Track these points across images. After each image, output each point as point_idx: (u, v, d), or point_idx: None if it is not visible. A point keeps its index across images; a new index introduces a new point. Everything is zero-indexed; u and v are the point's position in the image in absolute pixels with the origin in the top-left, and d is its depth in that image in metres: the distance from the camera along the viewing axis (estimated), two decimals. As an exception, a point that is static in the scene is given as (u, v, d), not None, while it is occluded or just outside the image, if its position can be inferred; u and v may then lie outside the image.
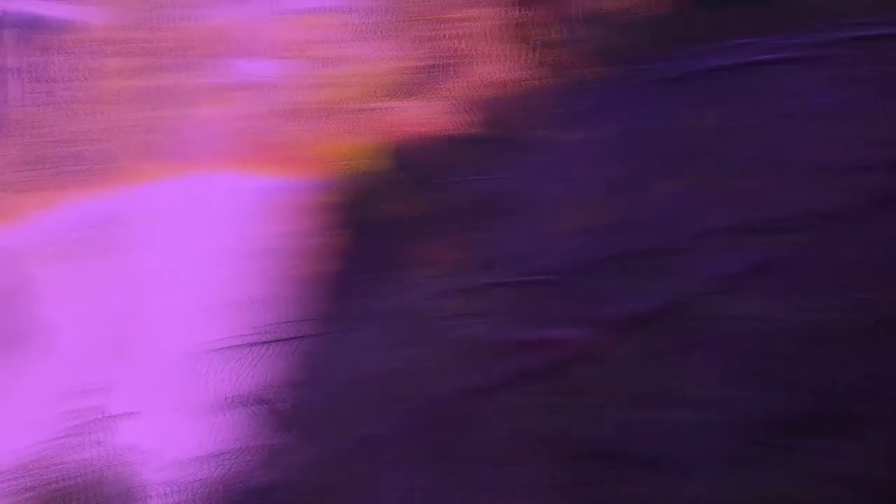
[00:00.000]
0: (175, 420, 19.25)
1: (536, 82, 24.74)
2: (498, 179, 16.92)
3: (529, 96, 23.80)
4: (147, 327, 26.11)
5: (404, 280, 13.11)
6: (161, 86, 30.71)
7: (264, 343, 15.41)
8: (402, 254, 15.76)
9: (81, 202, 30.00)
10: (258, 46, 30.34)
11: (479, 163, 20.11)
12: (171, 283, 26.56)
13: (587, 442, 7.10)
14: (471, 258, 11.86)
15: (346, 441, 6.89)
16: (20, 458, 14.91)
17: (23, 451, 15.14)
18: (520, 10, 25.54)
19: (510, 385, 7.31)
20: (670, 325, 7.76)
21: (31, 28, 33.90)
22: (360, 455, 6.51)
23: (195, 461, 15.64)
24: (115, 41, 31.99)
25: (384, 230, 18.48)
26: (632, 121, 15.51)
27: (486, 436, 7.01)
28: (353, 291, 14.16)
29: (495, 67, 26.53)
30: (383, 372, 8.88)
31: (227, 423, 14.02)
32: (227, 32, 30.75)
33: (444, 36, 27.37)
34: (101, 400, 15.78)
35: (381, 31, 26.79)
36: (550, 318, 8.36)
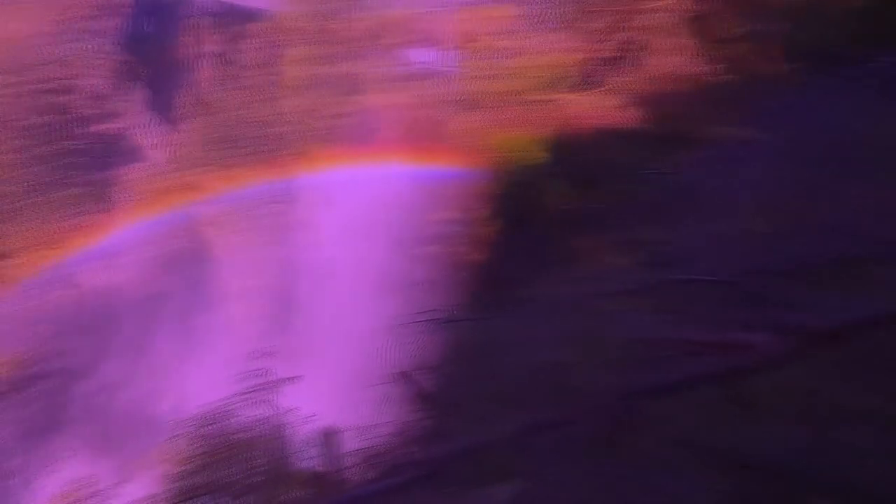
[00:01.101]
0: (335, 389, 19.99)
1: (716, 77, 22.96)
2: (670, 176, 16.04)
3: (708, 92, 22.16)
4: (316, 301, 27.14)
5: (567, 273, 12.91)
6: (340, 74, 31.74)
7: (425, 324, 15.75)
8: (566, 247, 15.46)
9: (262, 181, 31.77)
10: (433, 37, 30.49)
11: (650, 159, 19.11)
12: (340, 262, 27.39)
13: (759, 457, 6.49)
14: (639, 255, 11.43)
15: (499, 429, 6.86)
16: (202, 410, 16.22)
17: (204, 404, 16.45)
18: (701, 0, 23.54)
19: (681, 388, 6.89)
20: (863, 339, 6.96)
21: (224, 17, 36.32)
22: (512, 444, 6.43)
23: (350, 430, 16.16)
24: (299, 30, 33.49)
25: (549, 223, 18.18)
26: (820, 121, 13.91)
27: (650, 438, 6.65)
28: (516, 281, 14.15)
29: (672, 60, 24.89)
30: (545, 363, 8.77)
31: (384, 398, 14.47)
32: (404, 23, 31.17)
33: (620, 27, 26.02)
34: (271, 364, 16.82)
35: (555, 23, 26.12)
36: (728, 322, 7.77)
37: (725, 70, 22.89)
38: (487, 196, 21.18)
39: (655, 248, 10.59)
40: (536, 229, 17.54)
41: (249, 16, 40.78)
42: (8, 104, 32.32)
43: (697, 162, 16.61)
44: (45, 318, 32.64)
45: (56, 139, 33.08)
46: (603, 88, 23.23)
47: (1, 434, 31.02)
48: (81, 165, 34.21)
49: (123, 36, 36.56)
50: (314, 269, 31.34)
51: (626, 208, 15.42)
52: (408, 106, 27.82)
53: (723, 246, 10.39)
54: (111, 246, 34.69)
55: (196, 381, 31.25)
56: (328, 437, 15.63)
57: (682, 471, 6.48)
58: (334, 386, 22.20)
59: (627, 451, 5.91)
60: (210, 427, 17.29)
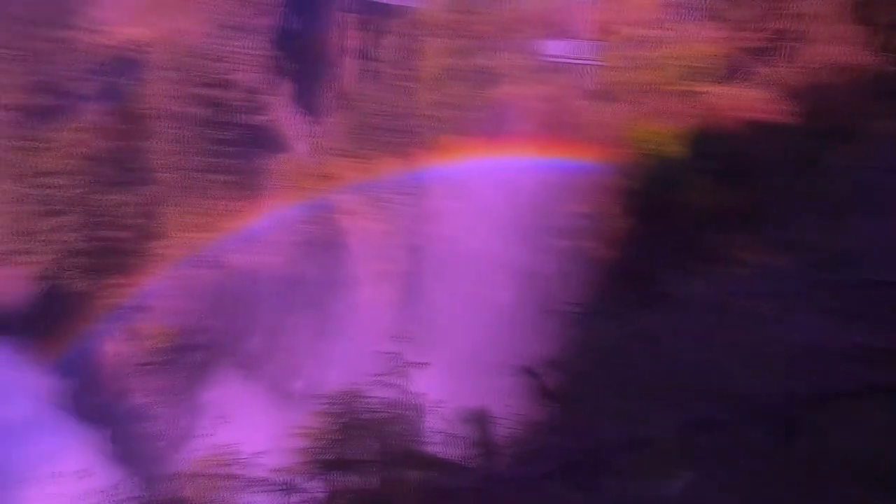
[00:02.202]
0: (463, 376, 20.07)
1: (882, 68, 20.95)
2: (829, 172, 14.84)
3: (872, 83, 20.27)
4: (445, 289, 27.38)
5: (713, 272, 12.24)
6: (477, 66, 31.81)
7: (555, 317, 15.56)
8: (711, 245, 14.68)
9: (398, 171, 32.42)
10: (571, 28, 29.84)
11: (803, 154, 17.77)
12: (470, 253, 27.42)
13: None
14: (799, 254, 10.64)
15: (650, 426, 6.58)
16: (335, 388, 16.79)
17: (337, 383, 17.05)
18: (864, -14, 21.35)
19: (848, 396, 6.35)
20: None
21: (367, 13, 37.32)
22: (670, 442, 6.12)
23: (473, 417, 16.14)
24: (438, 25, 33.82)
25: (691, 219, 17.33)
26: None
27: (815, 447, 6.16)
28: (654, 278, 13.59)
29: (832, 50, 22.96)
30: (691, 362, 8.34)
31: (512, 388, 14.37)
32: (541, 15, 30.72)
33: (773, 15, 24.32)
34: (401, 348, 17.15)
35: (702, 11, 24.80)
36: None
37: (891, 60, 20.84)
38: (624, 190, 20.52)
39: (817, 247, 9.81)
40: (676, 226, 16.79)
41: (391, 12, 41.88)
42: (168, 97, 35.02)
43: (860, 157, 15.28)
44: (194, 296, 35.18)
45: (210, 130, 35.50)
46: (753, 80, 21.85)
47: (150, 400, 33.80)
48: (232, 154, 36.50)
49: (274, 33, 38.63)
50: (445, 258, 31.80)
51: (779, 205, 14.45)
52: (543, 98, 27.50)
53: (894, 245, 9.46)
54: (256, 230, 36.87)
55: (330, 360, 32.63)
56: (457, 421, 15.80)
57: (846, 484, 5.96)
58: (462, 373, 22.44)
59: (792, 459, 5.51)
60: (342, 406, 17.96)
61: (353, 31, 42.88)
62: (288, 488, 15.43)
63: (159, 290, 34.56)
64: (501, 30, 36.09)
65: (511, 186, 26.90)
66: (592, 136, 23.98)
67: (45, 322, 31.92)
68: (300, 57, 39.92)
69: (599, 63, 29.72)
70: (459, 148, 32.30)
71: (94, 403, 31.93)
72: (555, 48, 33.75)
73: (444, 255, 32.58)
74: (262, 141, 38.43)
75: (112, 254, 34.03)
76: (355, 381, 18.11)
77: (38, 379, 30.29)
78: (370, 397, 17.76)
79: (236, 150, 36.43)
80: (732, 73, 23.83)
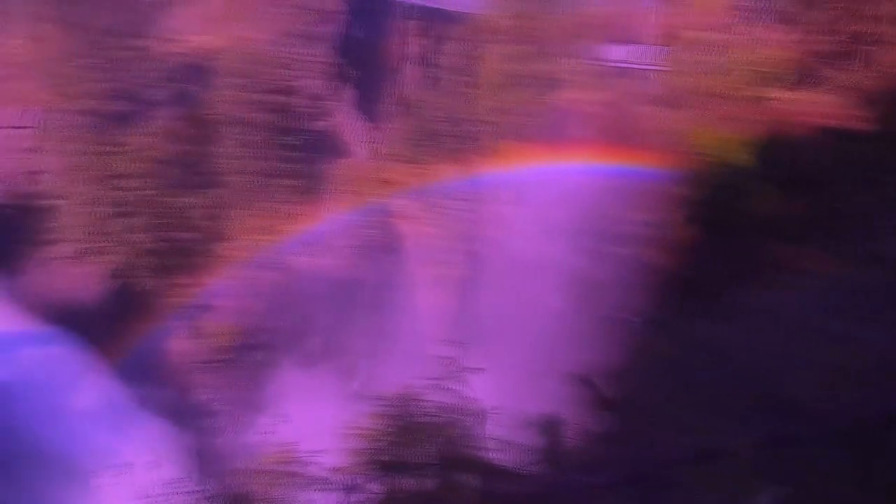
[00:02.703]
0: (518, 383, 19.95)
1: None
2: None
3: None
4: (503, 296, 27.21)
5: (781, 283, 11.89)
6: (538, 72, 31.61)
7: (613, 325, 15.37)
8: (778, 255, 14.25)
9: (457, 176, 32.47)
10: (634, 33, 29.38)
11: (877, 162, 17.08)
12: (528, 259, 27.24)
13: None
14: (876, 269, 10.20)
15: (698, 441, 6.39)
16: (391, 391, 16.95)
17: (393, 385, 17.20)
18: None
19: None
20: None
21: (428, 20, 37.63)
22: (747, 455, 5.90)
23: (529, 424, 16.05)
24: (498, 31, 33.75)
25: (757, 229, 16.84)
26: None
27: (885, 467, 5.87)
28: (717, 288, 13.31)
29: None
30: (757, 374, 8.11)
31: (568, 396, 14.25)
32: (604, 20, 30.29)
33: (849, 18, 23.44)
34: (457, 353, 17.20)
35: (772, 15, 24.05)
36: None
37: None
38: (687, 198, 20.03)
39: (891, 259, 9.43)
40: (742, 235, 16.30)
41: (452, 18, 42.14)
42: (236, 103, 36.05)
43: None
44: (257, 296, 36.05)
45: (275, 135, 36.38)
46: (825, 85, 21.04)
47: (214, 396, 34.76)
48: (295, 159, 37.32)
49: (338, 41, 39.34)
50: (502, 264, 31.76)
51: (851, 215, 13.90)
52: (604, 103, 27.18)
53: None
54: (317, 233, 37.58)
55: (387, 362, 32.96)
56: (513, 428, 15.75)
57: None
58: (518, 379, 22.35)
59: (867, 478, 5.30)
60: (399, 408, 18.12)
61: (413, 38, 43.30)
62: (346, 488, 15.66)
63: (224, 290, 35.56)
64: (562, 35, 35.85)
65: (570, 193, 26.66)
66: (655, 142, 23.53)
67: (116, 318, 33.23)
68: (362, 64, 40.55)
69: (663, 68, 29.20)
70: (518, 154, 32.23)
71: (160, 399, 33.03)
72: (617, 53, 33.33)
73: (501, 260, 32.54)
74: (324, 146, 39.16)
75: (180, 254, 35.20)
76: (412, 384, 18.24)
77: (108, 373, 31.51)
78: (427, 400, 17.86)
79: (299, 155, 37.24)
80: (803, 78, 23.06)
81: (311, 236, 37.49)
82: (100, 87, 33.24)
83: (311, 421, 30.11)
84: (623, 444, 9.01)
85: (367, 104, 40.04)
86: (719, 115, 21.57)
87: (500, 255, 31.90)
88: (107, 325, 32.64)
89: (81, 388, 30.43)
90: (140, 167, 33.38)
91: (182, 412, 33.55)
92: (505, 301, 30.28)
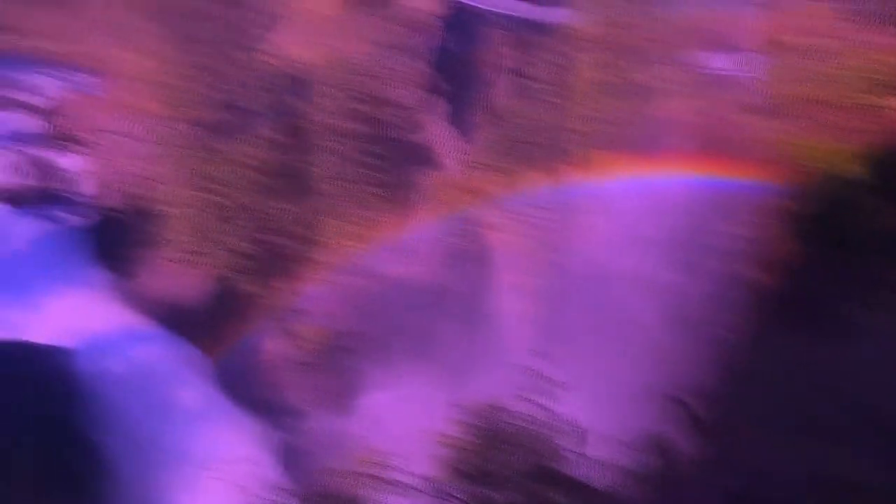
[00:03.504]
0: (606, 399, 19.60)
1: None
2: None
3: None
4: (590, 308, 26.75)
5: (888, 301, 11.24)
6: (631, 81, 31.08)
7: (707, 343, 14.91)
8: (883, 272, 13.47)
9: (545, 186, 32.38)
10: (733, 40, 28.47)
11: None
12: (617, 272, 26.69)
13: None
14: None
15: (811, 468, 6.07)
16: (476, 401, 17.07)
17: (479, 396, 17.31)
18: None
19: None
20: None
21: (520, 31, 37.67)
22: (840, 487, 5.63)
23: (618, 442, 15.77)
24: (591, 40, 33.43)
25: (866, 244, 16.00)
26: None
27: None
28: (821, 306, 12.70)
29: None
30: (874, 398, 7.65)
31: (658, 416, 13.95)
32: (701, 27, 29.53)
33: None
34: (543, 366, 17.14)
35: (884, 17, 22.82)
36: None
37: None
38: (790, 212, 19.13)
39: None
40: (850, 252, 15.46)
41: (543, 28, 41.98)
42: (331, 113, 37.23)
43: None
44: (348, 301, 36.98)
45: (367, 144, 37.31)
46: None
47: (305, 398, 35.83)
48: (386, 168, 38.15)
49: (430, 52, 39.99)
50: (590, 276, 31.29)
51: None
52: (701, 113, 26.35)
53: None
54: (406, 241, 38.22)
55: (472, 372, 33.07)
56: (601, 445, 15.53)
57: None
58: (606, 395, 21.94)
59: None
60: (485, 418, 18.19)
61: (505, 48, 43.43)
62: (431, 494, 15.89)
63: (316, 295, 36.69)
64: (657, 43, 35.06)
65: (664, 205, 25.98)
66: (754, 153, 22.62)
67: (216, 319, 34.87)
68: (453, 74, 41.01)
69: (763, 76, 28.07)
70: (609, 164, 31.70)
71: (253, 398, 34.38)
72: (714, 61, 32.23)
73: (590, 273, 32.06)
74: (415, 156, 39.82)
75: (275, 258, 36.58)
76: (498, 395, 18.27)
77: (206, 371, 33.05)
78: (513, 412, 17.85)
79: (391, 164, 38.04)
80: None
81: (401, 244, 38.15)
82: (207, 98, 35.21)
83: (398, 426, 30.62)
84: (720, 468, 8.78)
85: (458, 114, 40.43)
86: (825, 124, 20.53)
87: (588, 267, 31.43)
88: (207, 325, 34.29)
89: (184, 385, 32.07)
90: (242, 175, 35.03)
91: (275, 412, 34.79)
92: (593, 314, 29.77)
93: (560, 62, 38.98)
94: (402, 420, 30.82)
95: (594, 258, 31.40)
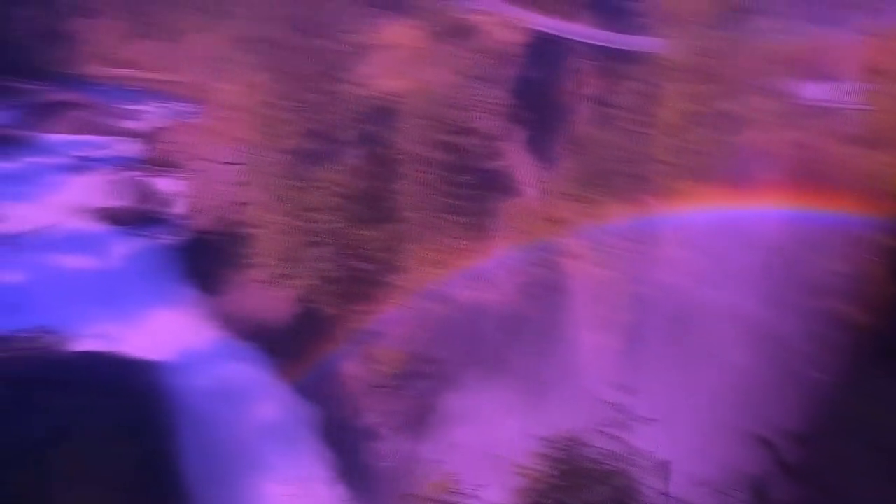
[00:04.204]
0: (691, 437, 18.97)
1: None
2: None
3: None
4: (674, 343, 26.05)
5: None
6: (721, 111, 30.45)
7: (797, 383, 14.27)
8: None
9: (627, 217, 32.02)
10: (830, 67, 27.56)
11: None
12: (702, 306, 25.89)
13: None
14: None
15: None
16: (555, 433, 16.81)
17: (557, 428, 17.05)
18: None
19: None
20: None
21: (605, 60, 37.61)
22: None
23: (702, 483, 15.19)
24: (679, 68, 33.07)
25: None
26: None
27: None
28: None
29: None
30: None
31: (745, 457, 13.40)
32: (796, 55, 28.76)
33: None
34: (626, 400, 16.73)
35: None
36: None
37: None
38: (886, 247, 18.13)
39: None
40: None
41: (628, 57, 41.59)
42: (417, 142, 37.91)
43: None
44: (426, 327, 37.23)
45: (451, 173, 37.74)
46: None
47: (381, 420, 36.10)
48: (468, 197, 38.42)
49: (512, 82, 40.31)
50: (674, 310, 30.43)
51: None
52: (796, 144, 25.42)
53: None
54: (485, 269, 38.27)
55: (550, 402, 32.60)
56: (684, 485, 15.02)
57: None
58: (690, 434, 21.20)
59: None
60: (562, 451, 17.87)
61: (588, 77, 43.27)
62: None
63: (396, 319, 37.10)
64: (749, 71, 34.13)
65: (754, 238, 25.08)
66: (853, 186, 21.60)
67: (296, 339, 35.75)
68: (536, 103, 41.11)
69: (861, 105, 26.87)
70: (697, 195, 30.90)
71: (331, 418, 34.91)
72: (810, 89, 31.03)
73: (673, 306, 31.21)
74: (496, 184, 39.98)
75: (359, 282, 37.31)
76: (577, 428, 17.93)
77: (287, 390, 33.82)
78: (592, 446, 17.46)
79: (472, 192, 38.29)
80: None
81: (481, 271, 38.23)
82: (299, 127, 36.56)
83: (472, 453, 30.45)
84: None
85: (540, 143, 40.44)
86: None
87: (672, 301, 30.61)
88: (290, 345, 35.19)
89: (265, 402, 32.93)
90: (329, 201, 35.98)
91: (351, 433, 35.22)
92: (677, 349, 28.91)
93: (645, 91, 38.47)
94: (477, 447, 30.61)
95: (679, 291, 30.55)
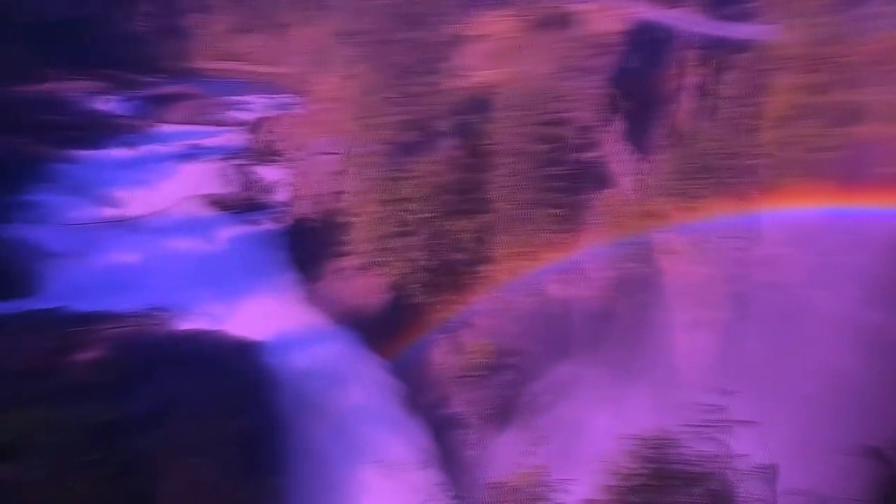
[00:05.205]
0: (791, 444, 18.22)
1: None
2: None
3: None
4: (774, 346, 25.15)
5: None
6: (834, 102, 29.07)
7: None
8: None
9: (728, 213, 31.04)
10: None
11: None
12: (807, 309, 24.87)
13: None
14: None
15: None
16: (646, 432, 16.55)
17: (648, 427, 16.75)
18: None
19: None
20: None
21: (711, 49, 36.42)
22: None
23: (804, 494, 14.59)
24: (790, 58, 31.68)
25: None
26: None
27: None
28: None
29: None
30: None
31: (851, 470, 12.77)
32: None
33: None
34: (721, 402, 16.25)
35: None
36: None
37: None
38: None
39: None
40: None
41: (736, 46, 39.91)
42: (511, 134, 37.86)
43: None
44: (513, 319, 37.24)
45: (544, 165, 37.50)
46: None
47: (468, 410, 36.45)
48: (561, 189, 38.11)
49: (612, 72, 39.51)
50: (776, 312, 29.17)
51: None
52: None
53: None
54: (576, 263, 37.85)
55: (640, 402, 32.01)
56: (782, 494, 14.48)
57: None
58: (789, 440, 20.34)
59: None
60: (654, 451, 17.53)
61: (692, 67, 41.83)
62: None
63: (484, 310, 37.32)
64: (867, 62, 32.11)
65: (865, 238, 23.65)
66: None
67: (388, 325, 36.56)
68: (636, 94, 40.15)
69: None
70: (806, 192, 29.41)
71: (419, 406, 35.54)
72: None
73: (775, 307, 29.89)
74: (591, 177, 39.41)
75: (448, 273, 37.73)
76: (670, 428, 17.53)
77: (377, 376, 34.67)
78: (685, 448, 17.05)
79: (566, 184, 37.94)
80: None
81: (571, 265, 37.85)
82: (395, 119, 37.23)
83: (560, 448, 30.32)
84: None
85: (639, 135, 39.52)
86: None
87: (774, 302, 29.31)
88: (382, 331, 36.04)
89: (360, 385, 33.89)
90: (422, 192, 36.47)
91: (440, 421, 35.76)
92: (778, 352, 27.69)
93: (754, 82, 36.86)
94: (565, 442, 30.46)
95: (782, 292, 29.24)
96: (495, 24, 43.09)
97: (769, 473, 14.63)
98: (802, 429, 23.11)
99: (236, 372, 30.56)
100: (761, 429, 17.18)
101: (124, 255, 35.74)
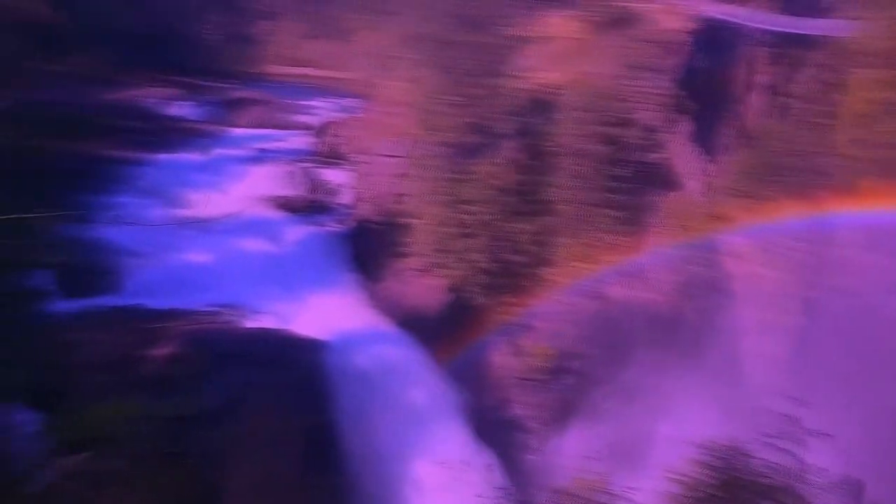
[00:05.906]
0: (865, 456, 17.56)
1: None
2: None
3: None
4: (847, 353, 24.28)
5: None
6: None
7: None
8: None
9: (798, 215, 30.07)
10: None
11: None
12: (882, 316, 23.88)
13: None
14: None
15: None
16: (712, 441, 16.20)
17: (714, 435, 16.40)
18: None
19: None
20: None
21: (781, 46, 35.35)
22: None
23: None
24: (866, 54, 30.56)
25: None
26: None
27: None
28: None
29: None
30: None
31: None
32: None
33: None
34: (793, 411, 15.77)
35: None
36: None
37: None
38: None
39: None
40: None
41: (808, 43, 38.51)
42: (574, 135, 37.53)
43: None
44: (575, 322, 36.87)
45: (608, 166, 37.03)
46: None
47: (528, 413, 36.27)
48: (625, 190, 37.57)
49: (678, 72, 38.69)
50: (850, 317, 28.02)
51: None
52: None
53: None
54: (639, 265, 37.21)
55: (708, 409, 31.26)
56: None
57: None
58: (867, 452, 19.54)
59: None
60: (721, 461, 17.13)
61: (762, 65, 40.59)
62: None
63: (544, 313, 37.08)
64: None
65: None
66: None
67: (447, 327, 36.71)
68: (703, 94, 39.22)
69: None
70: (882, 193, 28.18)
71: (480, 406, 35.57)
72: None
73: (849, 313, 28.71)
74: (656, 178, 38.70)
75: (509, 275, 37.64)
76: (739, 438, 17.08)
77: (436, 375, 34.85)
78: (755, 458, 16.59)
79: (630, 186, 37.39)
80: None
81: (634, 268, 37.24)
82: (458, 121, 37.42)
83: (623, 455, 29.87)
84: None
85: (707, 135, 38.59)
86: None
87: (848, 307, 28.16)
88: (441, 333, 36.23)
89: (419, 386, 34.16)
90: (483, 194, 36.58)
91: (498, 424, 35.72)
92: (853, 359, 26.60)
93: (828, 79, 35.51)
94: (629, 449, 30.00)
95: (856, 297, 28.07)
96: (559, 25, 42.75)
97: (854, 489, 14.11)
98: (877, 439, 22.14)
99: (301, 369, 31.27)
100: (840, 440, 16.57)
101: (197, 255, 36.92)
